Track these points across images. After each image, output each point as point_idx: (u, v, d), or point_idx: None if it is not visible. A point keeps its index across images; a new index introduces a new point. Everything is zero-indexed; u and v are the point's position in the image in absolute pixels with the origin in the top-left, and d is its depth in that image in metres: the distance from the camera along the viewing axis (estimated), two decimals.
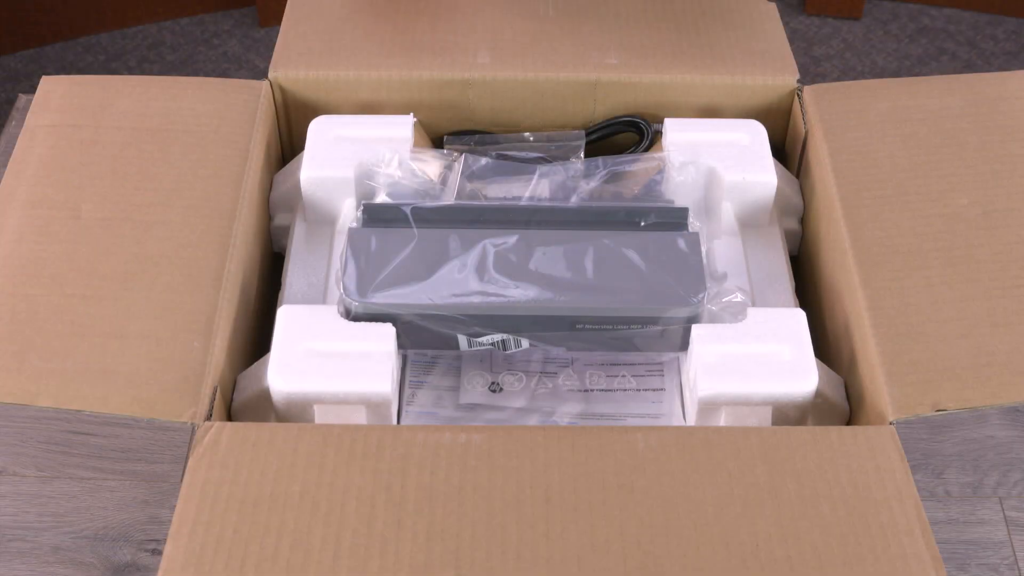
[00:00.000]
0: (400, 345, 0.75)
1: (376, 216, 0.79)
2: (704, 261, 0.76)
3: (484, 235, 0.77)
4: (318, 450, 0.65)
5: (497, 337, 0.75)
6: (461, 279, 0.75)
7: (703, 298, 0.74)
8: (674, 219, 0.79)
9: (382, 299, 0.74)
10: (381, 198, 0.82)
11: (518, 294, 0.74)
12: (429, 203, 0.79)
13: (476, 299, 0.74)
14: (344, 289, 0.74)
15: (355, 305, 0.74)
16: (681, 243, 0.77)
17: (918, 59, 2.03)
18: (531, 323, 0.75)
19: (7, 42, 1.99)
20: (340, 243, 0.84)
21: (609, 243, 0.77)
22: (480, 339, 0.75)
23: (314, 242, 0.85)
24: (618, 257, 0.76)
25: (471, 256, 0.76)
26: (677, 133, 0.86)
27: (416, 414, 0.76)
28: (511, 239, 0.77)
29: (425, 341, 0.76)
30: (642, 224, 0.79)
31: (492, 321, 0.74)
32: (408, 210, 0.78)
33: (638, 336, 0.75)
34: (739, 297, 0.77)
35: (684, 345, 0.76)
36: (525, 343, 0.76)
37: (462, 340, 0.75)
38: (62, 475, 0.77)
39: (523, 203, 0.81)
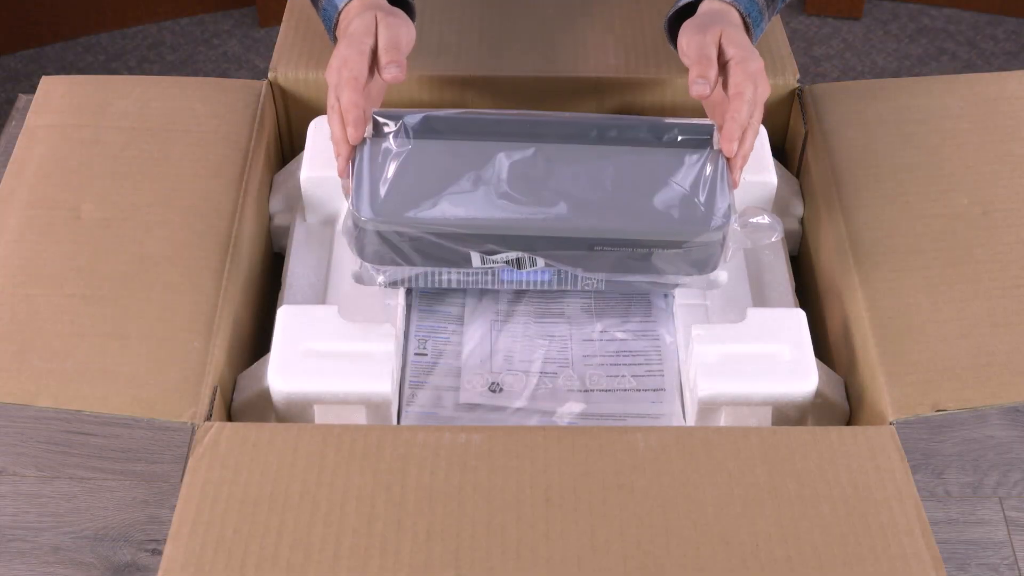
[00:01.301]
0: (411, 263, 0.73)
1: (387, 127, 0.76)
2: (728, 181, 0.73)
3: (500, 148, 0.73)
4: (318, 450, 0.65)
5: (512, 255, 0.72)
6: (476, 195, 0.71)
7: (728, 221, 0.71)
8: (699, 136, 0.75)
9: (395, 217, 0.71)
10: None
11: (535, 212, 0.70)
12: (442, 112, 0.75)
13: (493, 217, 0.70)
14: (355, 207, 0.71)
15: (367, 224, 0.71)
16: (705, 162, 0.73)
17: (918, 59, 2.03)
18: (548, 243, 0.71)
19: (7, 42, 1.99)
20: (340, 243, 0.84)
21: (631, 160, 0.73)
22: (494, 257, 0.72)
23: (314, 242, 0.85)
24: (640, 175, 0.73)
25: (486, 170, 0.72)
26: None
27: (416, 414, 0.76)
28: (528, 152, 0.73)
29: (437, 258, 0.73)
30: (665, 139, 0.75)
31: (507, 240, 0.71)
32: (420, 118, 0.75)
33: (659, 258, 0.72)
34: (766, 219, 0.74)
35: (712, 266, 0.73)
36: (540, 262, 0.73)
37: (475, 257, 0.72)
38: (62, 475, 0.77)
39: (542, 115, 0.77)
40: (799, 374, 0.72)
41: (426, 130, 0.74)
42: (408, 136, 0.74)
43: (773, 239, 0.74)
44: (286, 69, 0.90)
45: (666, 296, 0.83)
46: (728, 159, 0.75)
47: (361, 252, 0.74)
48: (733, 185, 0.74)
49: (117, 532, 0.74)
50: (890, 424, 0.68)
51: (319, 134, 0.85)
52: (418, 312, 0.82)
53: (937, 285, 0.75)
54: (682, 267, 0.74)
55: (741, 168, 0.75)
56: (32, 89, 0.89)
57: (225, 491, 0.63)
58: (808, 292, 0.86)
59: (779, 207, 0.87)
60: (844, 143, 0.85)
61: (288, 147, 0.95)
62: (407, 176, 0.72)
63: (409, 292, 0.82)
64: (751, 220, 0.74)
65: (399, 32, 0.78)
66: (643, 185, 0.72)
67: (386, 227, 0.71)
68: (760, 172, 0.84)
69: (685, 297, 0.81)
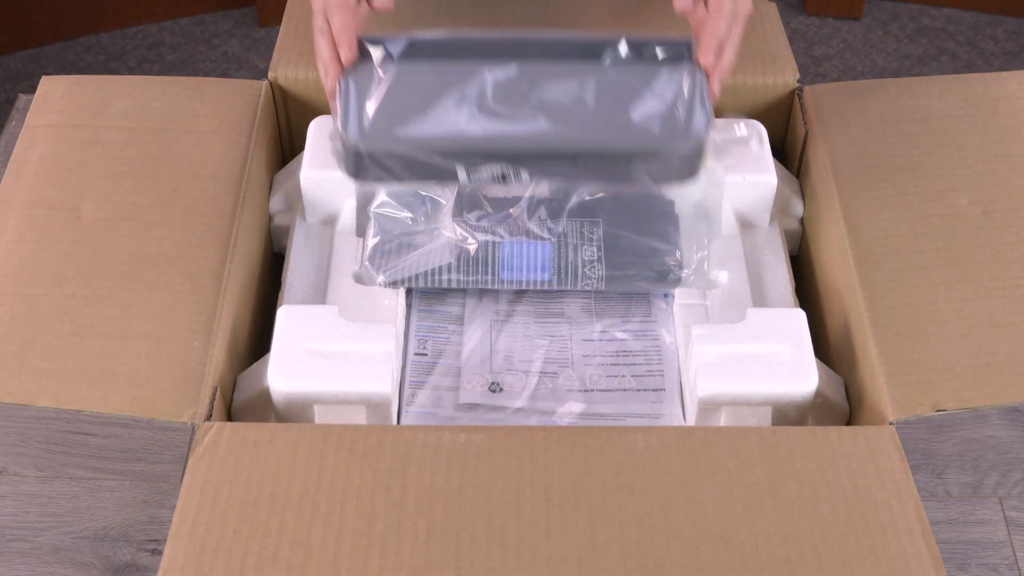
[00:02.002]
0: (398, 178, 0.75)
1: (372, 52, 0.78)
2: (707, 92, 0.76)
3: (483, 67, 0.76)
4: (318, 450, 0.65)
5: (496, 169, 0.74)
6: (460, 113, 0.74)
7: (706, 129, 0.74)
8: (677, 52, 0.77)
9: (381, 136, 0.73)
10: (380, 198, 0.82)
11: (518, 127, 0.73)
12: (426, 35, 0.78)
13: (476, 133, 0.73)
14: (343, 129, 0.73)
15: (355, 145, 0.73)
16: (683, 75, 0.76)
17: (918, 59, 2.03)
18: (531, 158, 0.74)
19: (7, 42, 1.99)
20: (340, 243, 0.84)
21: (611, 76, 0.75)
22: (479, 172, 0.75)
23: (314, 242, 0.85)
24: (620, 90, 0.75)
25: (470, 89, 0.75)
26: None
27: (416, 414, 0.76)
28: (510, 70, 0.75)
29: (424, 174, 0.76)
30: (645, 55, 0.77)
31: (492, 155, 0.74)
32: (405, 43, 0.77)
33: (641, 168, 0.75)
34: (743, 130, 0.77)
35: (692, 172, 0.75)
36: (525, 175, 0.75)
37: (461, 173, 0.75)
38: (62, 475, 0.77)
39: (526, 34, 0.79)
40: (799, 374, 0.72)
41: (411, 54, 0.77)
42: (392, 60, 0.77)
43: (755, 145, 0.77)
44: (286, 69, 0.90)
45: (666, 296, 0.83)
46: (707, 72, 0.76)
47: (350, 171, 0.76)
48: (713, 98, 0.76)
49: (117, 532, 0.74)
50: (890, 424, 0.68)
51: (319, 134, 0.85)
52: (418, 312, 0.82)
53: (937, 285, 0.75)
54: (664, 176, 0.76)
55: (721, 80, 0.77)
56: (32, 89, 0.89)
57: (225, 491, 0.63)
58: (808, 292, 0.86)
59: (779, 207, 0.87)
60: (844, 143, 0.85)
61: (288, 147, 0.95)
62: (392, 98, 0.75)
63: (409, 292, 0.82)
64: (733, 127, 0.78)
65: None
66: (623, 99, 0.75)
67: (373, 146, 0.73)
68: (760, 172, 0.84)
69: (685, 297, 0.81)
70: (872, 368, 0.72)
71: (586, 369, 0.78)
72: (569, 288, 0.81)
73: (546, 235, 0.81)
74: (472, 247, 0.81)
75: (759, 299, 0.82)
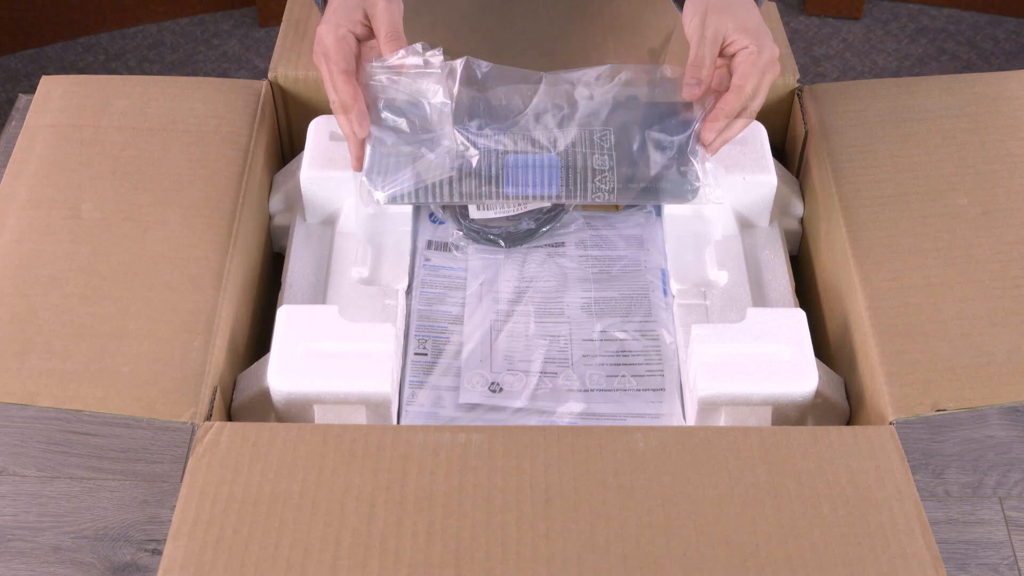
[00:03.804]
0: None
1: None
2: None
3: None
4: (318, 450, 0.65)
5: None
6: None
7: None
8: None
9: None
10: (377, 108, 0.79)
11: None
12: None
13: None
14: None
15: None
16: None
17: (918, 59, 2.03)
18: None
19: (7, 42, 1.99)
20: (340, 243, 0.84)
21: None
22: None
23: (314, 242, 0.85)
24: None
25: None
26: None
27: (416, 414, 0.76)
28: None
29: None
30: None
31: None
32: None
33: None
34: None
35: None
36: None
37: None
38: (62, 475, 0.77)
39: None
40: (799, 374, 0.72)
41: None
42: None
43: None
44: (286, 69, 0.90)
45: (666, 296, 0.83)
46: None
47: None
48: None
49: (117, 532, 0.74)
50: (890, 424, 0.68)
51: (319, 134, 0.85)
52: (418, 312, 0.82)
53: (937, 285, 0.75)
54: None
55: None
56: (32, 89, 0.89)
57: (225, 491, 0.63)
58: (808, 292, 0.86)
59: (779, 207, 0.87)
60: (844, 143, 0.85)
61: (288, 147, 0.95)
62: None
63: (409, 292, 0.82)
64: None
65: (394, 17, 0.78)
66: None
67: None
68: (760, 172, 0.84)
69: (685, 297, 0.81)
70: (872, 368, 0.72)
71: (586, 369, 0.78)
72: (578, 200, 0.79)
73: (554, 144, 0.79)
74: (474, 158, 0.78)
75: (759, 299, 0.82)
